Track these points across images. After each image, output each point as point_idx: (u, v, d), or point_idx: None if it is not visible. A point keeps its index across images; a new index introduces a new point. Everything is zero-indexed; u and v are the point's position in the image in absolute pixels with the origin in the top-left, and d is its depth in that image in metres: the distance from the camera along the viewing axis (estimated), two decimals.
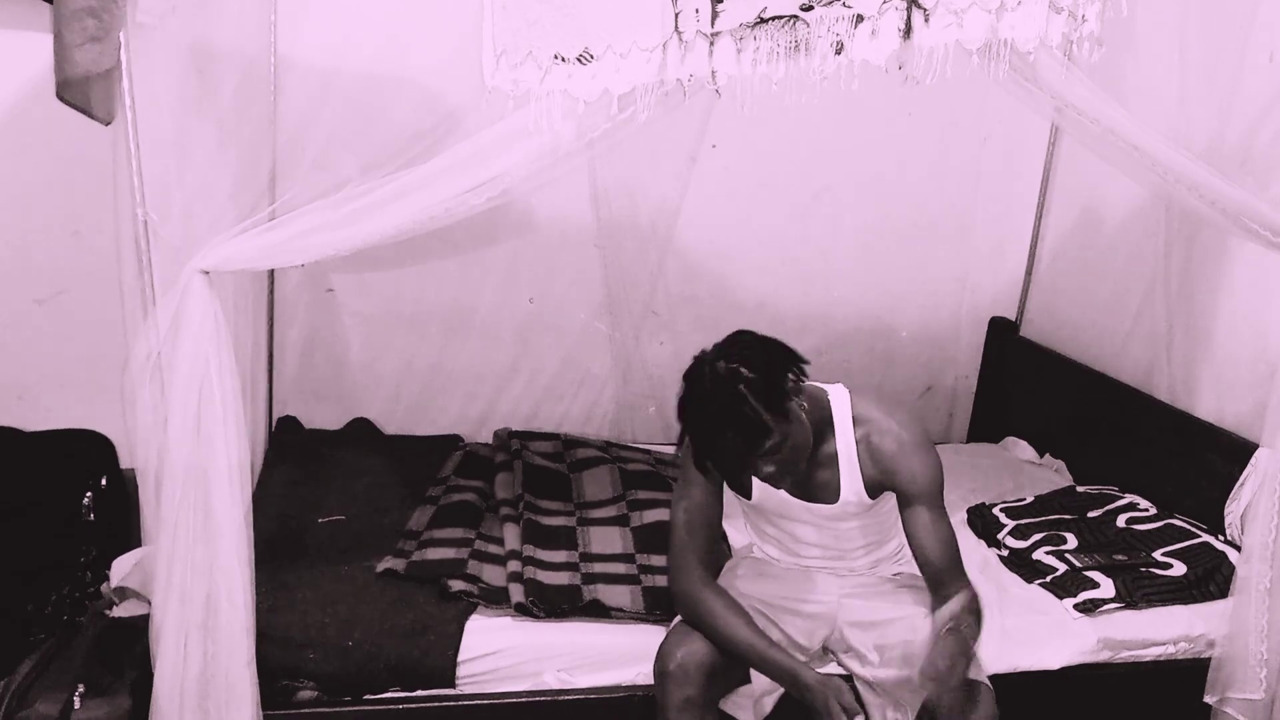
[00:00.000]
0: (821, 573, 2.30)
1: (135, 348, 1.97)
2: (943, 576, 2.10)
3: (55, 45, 1.82)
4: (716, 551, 2.19)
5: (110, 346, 2.21)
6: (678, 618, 2.19)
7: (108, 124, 1.93)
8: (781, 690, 2.13)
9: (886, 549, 2.34)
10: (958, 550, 2.14)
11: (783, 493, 2.17)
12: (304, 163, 2.66)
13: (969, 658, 1.96)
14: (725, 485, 2.21)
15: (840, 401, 2.15)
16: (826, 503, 2.18)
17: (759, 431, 1.92)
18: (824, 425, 2.12)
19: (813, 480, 2.16)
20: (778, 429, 1.92)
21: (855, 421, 2.13)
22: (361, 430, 3.53)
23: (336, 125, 2.81)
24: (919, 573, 2.33)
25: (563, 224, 3.51)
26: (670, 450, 3.51)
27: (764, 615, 2.19)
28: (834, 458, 2.13)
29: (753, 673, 2.09)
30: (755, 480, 2.16)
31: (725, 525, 2.74)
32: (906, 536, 2.15)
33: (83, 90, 1.86)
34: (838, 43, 1.75)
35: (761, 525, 2.33)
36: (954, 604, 2.00)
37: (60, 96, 1.88)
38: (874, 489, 2.16)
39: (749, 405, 1.91)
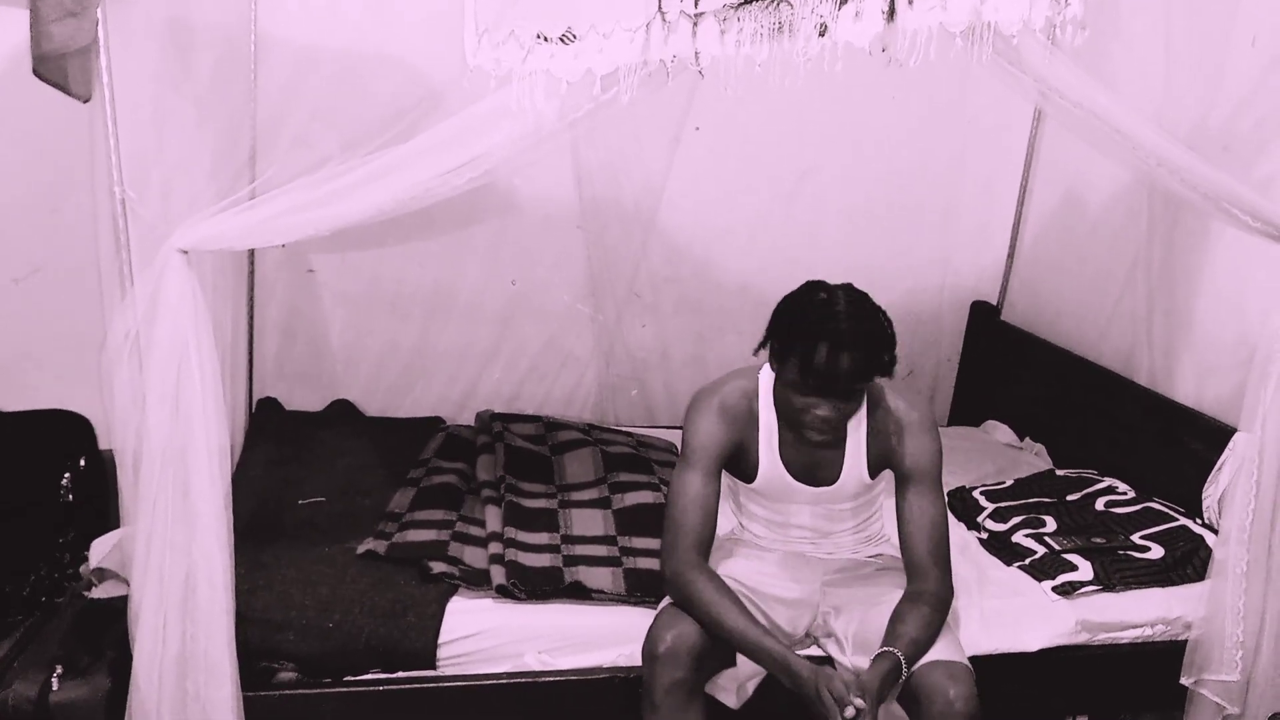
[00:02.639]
0: (804, 557, 2.32)
1: (113, 327, 1.96)
2: (924, 566, 2.14)
3: (31, 20, 1.79)
4: (710, 535, 2.18)
5: (88, 325, 2.19)
6: (666, 599, 2.19)
7: (85, 101, 1.91)
8: (764, 674, 2.14)
9: (870, 530, 2.37)
10: (947, 539, 2.18)
11: (785, 475, 2.21)
12: (284, 140, 2.64)
13: (898, 683, 2.01)
14: (725, 470, 2.24)
15: None
16: (827, 484, 2.22)
17: (881, 354, 1.99)
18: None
19: (817, 461, 2.20)
20: (882, 368, 2.01)
21: (865, 398, 2.17)
22: (342, 412, 3.52)
23: (317, 102, 2.79)
24: (898, 554, 2.35)
25: (545, 205, 3.49)
26: (652, 433, 3.51)
27: (747, 599, 2.19)
28: (842, 437, 2.17)
29: (738, 656, 2.09)
30: (761, 462, 2.21)
31: None
32: (898, 517, 2.18)
33: (59, 66, 1.84)
34: (821, 24, 1.75)
35: (752, 506, 2.34)
36: (913, 626, 2.05)
37: (36, 73, 1.86)
38: (875, 467, 2.21)
39: (885, 326, 2.01)
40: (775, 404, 2.16)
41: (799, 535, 2.31)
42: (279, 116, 2.69)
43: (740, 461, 2.24)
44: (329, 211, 1.94)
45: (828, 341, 1.95)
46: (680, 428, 3.57)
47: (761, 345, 2.13)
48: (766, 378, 2.22)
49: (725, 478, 2.28)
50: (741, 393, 2.22)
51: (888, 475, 2.26)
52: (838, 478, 2.22)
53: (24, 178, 2.96)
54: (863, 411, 2.19)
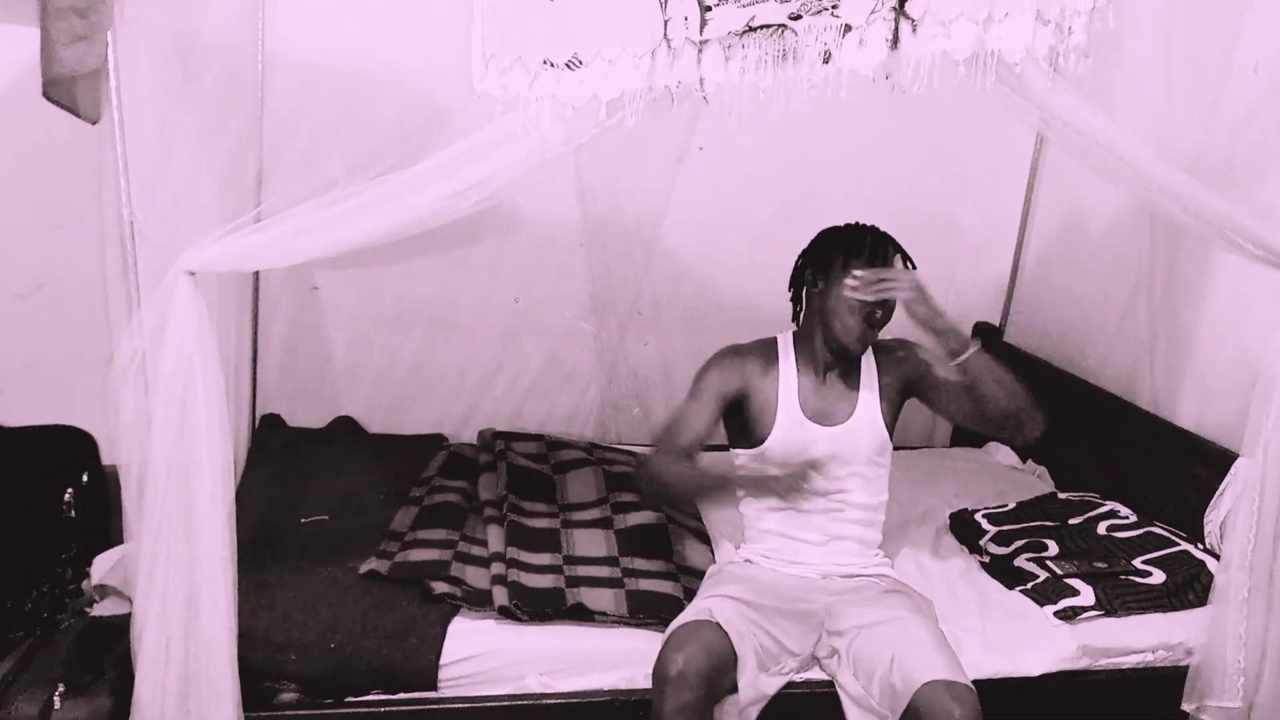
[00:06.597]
0: (809, 580, 2.33)
1: (120, 347, 1.96)
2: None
3: (41, 44, 1.80)
4: (692, 451, 2.38)
5: (92, 342, 2.20)
6: (674, 624, 2.20)
7: (94, 124, 1.92)
8: (765, 700, 2.16)
9: (876, 535, 2.44)
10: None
11: (802, 418, 2.36)
12: (290, 161, 2.67)
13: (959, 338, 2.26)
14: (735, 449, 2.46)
15: None
16: (841, 422, 2.38)
17: (899, 249, 2.35)
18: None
19: (832, 404, 2.39)
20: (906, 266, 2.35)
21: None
22: (345, 429, 3.53)
23: (323, 124, 2.81)
24: (901, 578, 2.37)
25: (548, 223, 3.50)
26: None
27: (754, 623, 2.20)
28: (856, 377, 2.42)
29: (739, 683, 2.10)
30: (780, 406, 2.38)
31: (711, 530, 2.78)
32: (949, 402, 2.38)
33: (69, 90, 1.85)
34: (825, 52, 1.76)
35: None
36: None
37: (46, 95, 1.87)
38: (890, 395, 2.43)
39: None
40: (823, 321, 2.36)
41: (814, 508, 2.36)
42: (285, 138, 2.71)
43: (754, 420, 2.39)
44: (335, 234, 1.96)
45: (871, 233, 2.35)
46: None
47: (805, 272, 2.43)
48: (785, 338, 2.47)
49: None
50: (760, 348, 2.46)
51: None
52: (852, 414, 2.38)
53: (31, 194, 2.97)
54: (873, 364, 2.44)
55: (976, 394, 2.28)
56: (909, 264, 2.36)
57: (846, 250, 2.32)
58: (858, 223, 2.40)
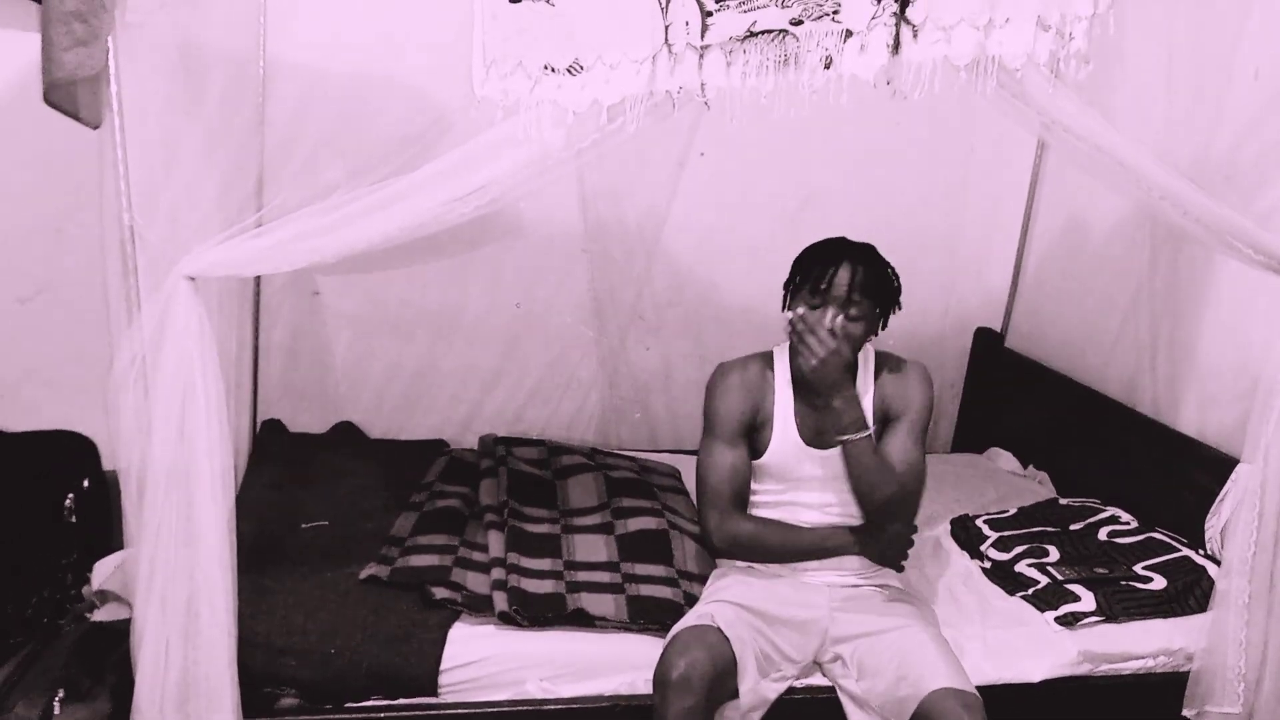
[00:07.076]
0: (811, 585, 2.33)
1: (120, 352, 1.96)
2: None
3: (42, 48, 1.80)
4: (744, 495, 2.39)
5: (93, 346, 2.19)
6: (676, 628, 2.19)
7: (95, 128, 1.92)
8: (767, 706, 2.16)
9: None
10: (919, 483, 2.33)
11: (797, 439, 2.35)
12: (292, 166, 2.67)
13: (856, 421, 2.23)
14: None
15: (867, 349, 2.43)
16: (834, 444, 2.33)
17: (880, 273, 2.29)
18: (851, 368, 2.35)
19: (826, 426, 2.32)
20: (885, 290, 2.30)
21: (875, 358, 2.44)
22: (346, 434, 3.52)
23: (325, 128, 2.81)
24: (904, 587, 2.36)
25: (550, 228, 3.50)
26: (655, 457, 3.50)
27: (755, 629, 2.20)
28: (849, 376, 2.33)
29: (740, 688, 2.10)
30: (775, 427, 2.37)
31: None
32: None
33: (70, 94, 1.85)
34: (827, 57, 1.76)
35: (761, 497, 2.40)
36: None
37: (47, 100, 1.87)
38: (879, 417, 2.38)
39: (882, 260, 2.32)
40: (790, 353, 2.36)
41: (811, 521, 2.36)
42: (287, 143, 2.71)
43: (754, 435, 2.38)
44: (335, 239, 1.95)
45: (834, 253, 2.28)
46: (683, 452, 3.60)
47: (785, 291, 2.36)
48: (781, 353, 2.44)
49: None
50: (759, 365, 2.44)
51: None
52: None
53: (31, 196, 2.97)
54: (869, 368, 2.41)
55: (850, 477, 2.29)
56: (892, 283, 2.33)
57: (803, 279, 2.30)
58: (843, 240, 2.34)
